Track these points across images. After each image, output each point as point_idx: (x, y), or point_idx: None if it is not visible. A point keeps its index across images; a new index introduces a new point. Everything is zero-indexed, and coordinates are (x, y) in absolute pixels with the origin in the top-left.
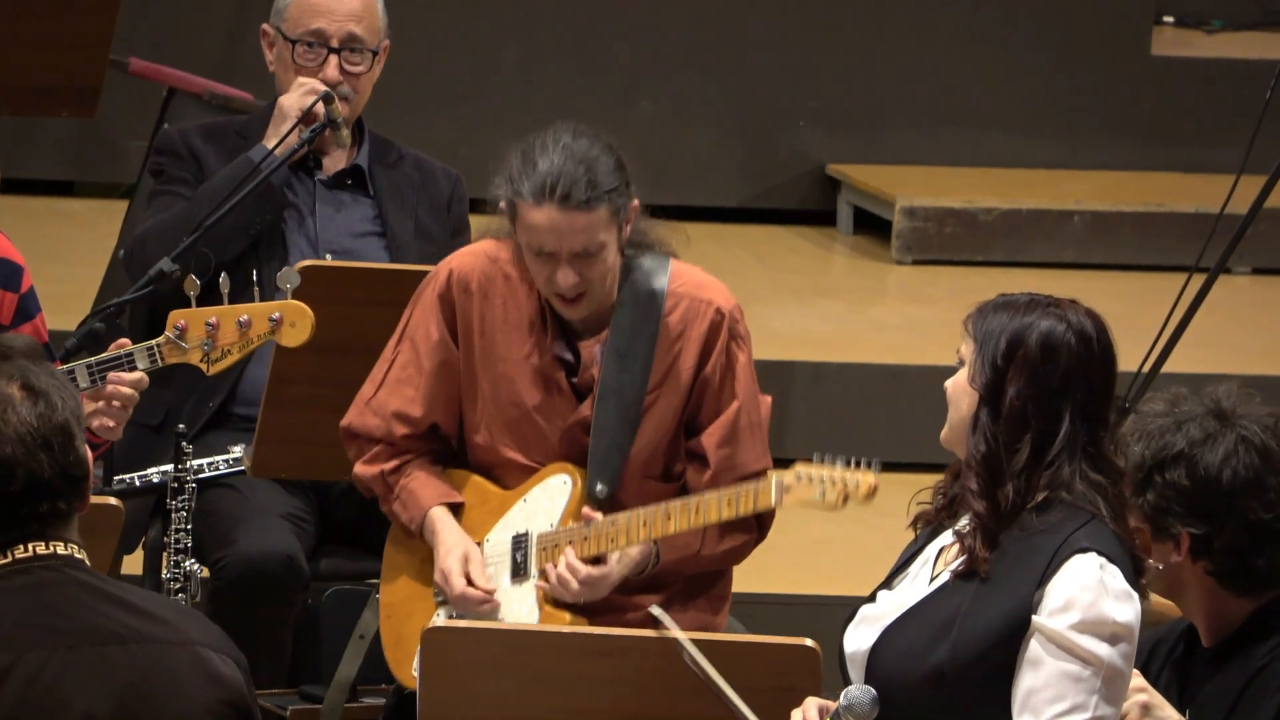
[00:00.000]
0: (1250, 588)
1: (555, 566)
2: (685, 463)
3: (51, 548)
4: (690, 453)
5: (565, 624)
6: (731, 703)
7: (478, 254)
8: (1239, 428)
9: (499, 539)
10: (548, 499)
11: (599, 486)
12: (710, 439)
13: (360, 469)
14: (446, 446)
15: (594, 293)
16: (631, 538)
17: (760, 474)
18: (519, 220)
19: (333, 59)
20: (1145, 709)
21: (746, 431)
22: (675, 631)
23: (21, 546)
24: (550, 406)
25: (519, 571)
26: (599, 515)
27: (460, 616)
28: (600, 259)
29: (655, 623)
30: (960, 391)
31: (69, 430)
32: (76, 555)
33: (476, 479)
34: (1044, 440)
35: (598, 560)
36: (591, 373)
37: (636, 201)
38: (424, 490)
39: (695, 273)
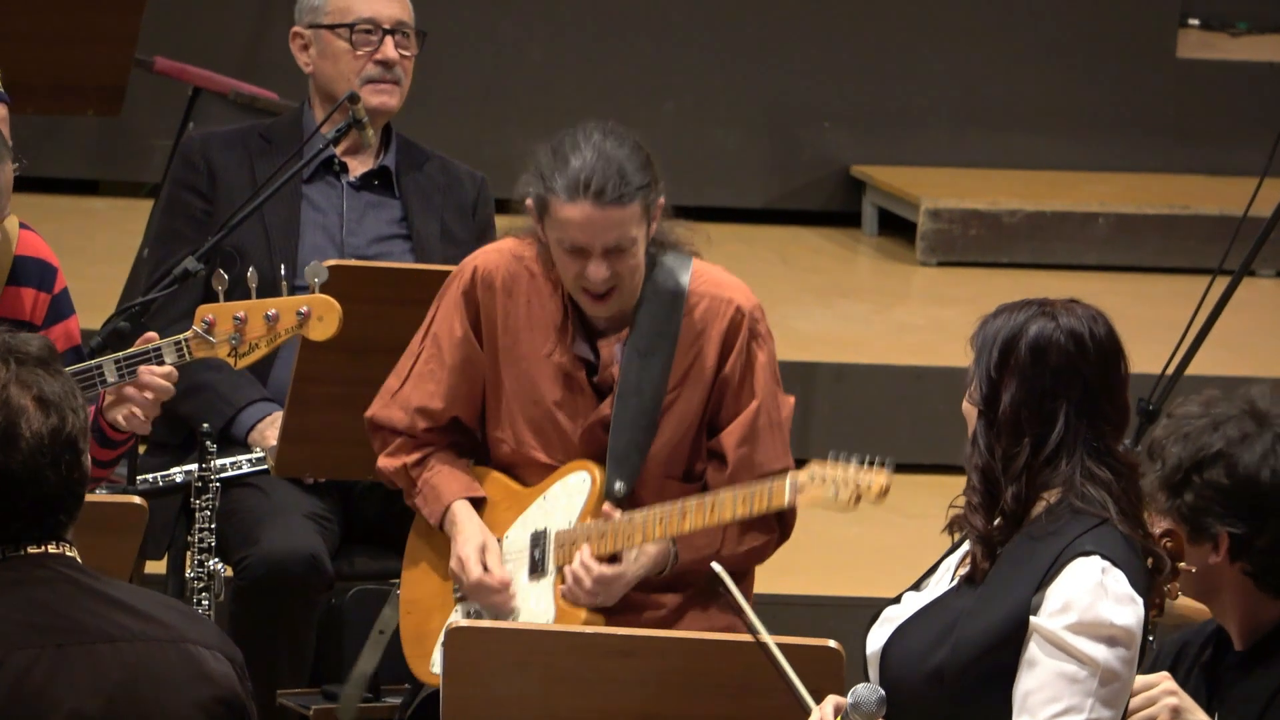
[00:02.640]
0: None
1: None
2: (706, 462)
3: (44, 547)
4: (710, 452)
5: (581, 621)
6: (782, 669)
7: (502, 251)
8: (1277, 427)
9: (518, 536)
10: (567, 496)
11: (617, 485)
12: (729, 438)
13: (383, 462)
14: (470, 439)
15: (623, 288)
16: (648, 535)
17: (780, 474)
18: (550, 217)
19: (389, 39)
20: (1175, 712)
21: (766, 431)
22: (732, 589)
23: (13, 546)
24: (571, 405)
25: (536, 568)
26: (618, 512)
27: (477, 613)
28: (631, 254)
29: (715, 579)
30: (967, 406)
31: (76, 446)
32: (69, 554)
33: (498, 476)
34: (1040, 443)
35: (615, 559)
36: (611, 371)
37: (663, 199)
38: (446, 485)
39: (717, 272)
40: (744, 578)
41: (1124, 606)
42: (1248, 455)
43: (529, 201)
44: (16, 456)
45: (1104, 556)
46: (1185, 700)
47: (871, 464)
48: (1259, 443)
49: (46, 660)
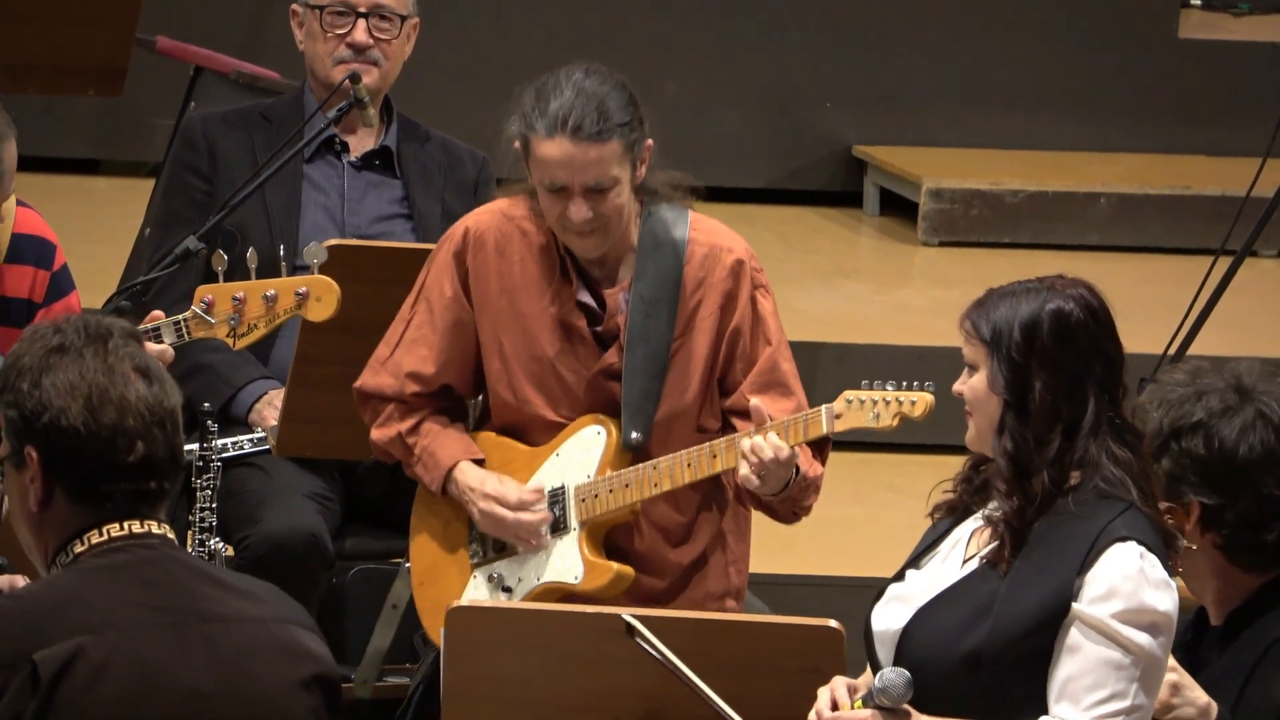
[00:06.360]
0: (1258, 563)
1: (753, 444)
2: (718, 419)
3: (146, 526)
4: (732, 409)
5: (610, 574)
6: (710, 699)
7: (494, 212)
8: (1259, 403)
9: None
10: (582, 451)
11: (634, 434)
12: (751, 388)
13: (376, 434)
14: (460, 405)
15: (609, 228)
16: (675, 480)
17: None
18: (532, 157)
19: (361, 22)
20: (1175, 688)
21: (792, 376)
22: (650, 638)
23: (117, 525)
24: (573, 355)
25: (558, 525)
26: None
27: (499, 577)
28: (613, 194)
29: (629, 631)
30: (982, 396)
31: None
32: (169, 535)
33: (502, 440)
34: (1073, 426)
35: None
36: (617, 320)
37: (651, 142)
38: (445, 449)
39: (713, 223)
40: (742, 537)
41: (1163, 592)
42: (1227, 428)
43: (516, 145)
44: (129, 416)
45: (1139, 542)
46: (1184, 677)
47: (910, 386)
48: (1239, 416)
49: (164, 639)
